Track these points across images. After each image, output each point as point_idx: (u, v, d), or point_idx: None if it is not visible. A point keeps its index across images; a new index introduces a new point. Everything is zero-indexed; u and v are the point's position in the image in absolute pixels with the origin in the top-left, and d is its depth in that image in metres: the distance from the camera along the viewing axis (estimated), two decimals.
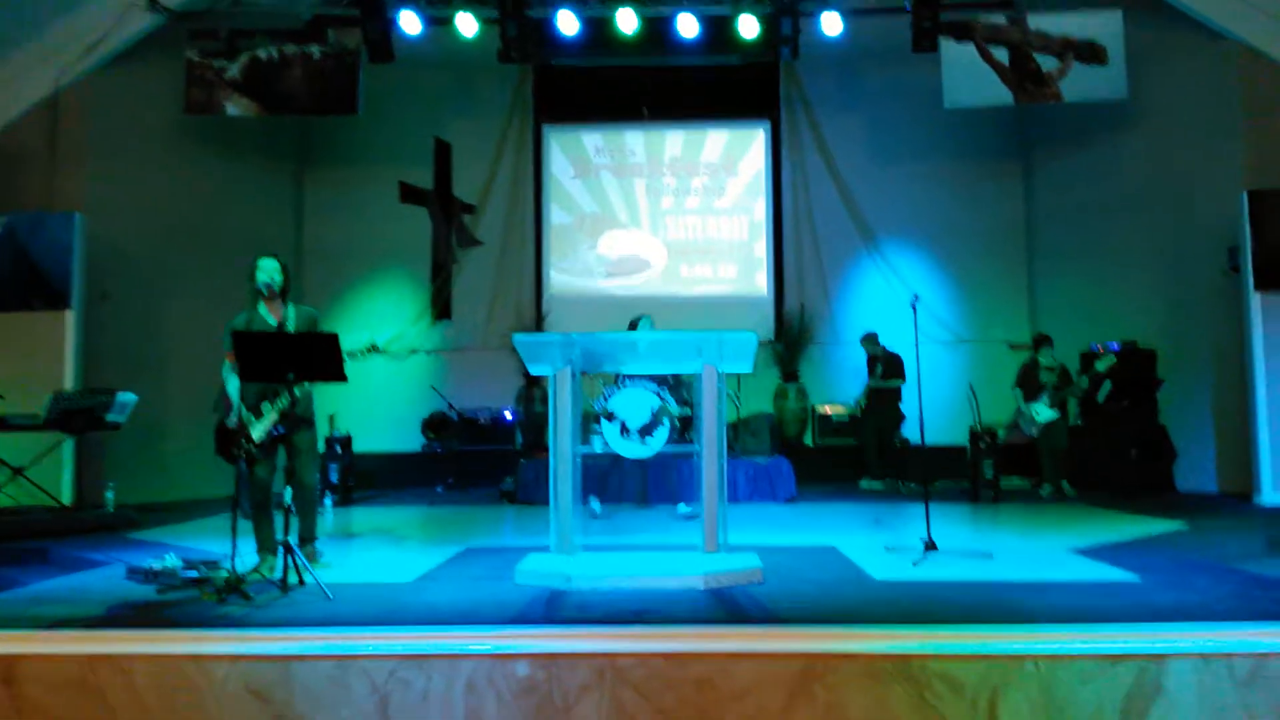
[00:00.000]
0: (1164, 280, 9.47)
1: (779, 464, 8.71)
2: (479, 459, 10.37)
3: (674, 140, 11.58)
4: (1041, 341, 9.21)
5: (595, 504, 7.71)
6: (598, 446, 4.92)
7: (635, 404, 4.84)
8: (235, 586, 4.37)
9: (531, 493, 8.37)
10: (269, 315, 5.17)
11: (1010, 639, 3.56)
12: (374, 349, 5.16)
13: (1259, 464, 8.10)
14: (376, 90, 10.08)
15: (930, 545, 5.32)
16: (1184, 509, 7.58)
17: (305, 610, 4.17)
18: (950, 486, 9.19)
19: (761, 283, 11.45)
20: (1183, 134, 9.24)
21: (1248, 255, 8.22)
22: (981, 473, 8.44)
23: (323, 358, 4.61)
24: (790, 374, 10.98)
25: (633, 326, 7.17)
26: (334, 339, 4.64)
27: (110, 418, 7.58)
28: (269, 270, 5.11)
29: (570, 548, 4.81)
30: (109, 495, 7.67)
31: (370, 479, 9.93)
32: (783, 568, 5.06)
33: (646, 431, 4.83)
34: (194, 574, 4.72)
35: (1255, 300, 8.21)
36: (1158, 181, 9.46)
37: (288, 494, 4.69)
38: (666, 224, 11.54)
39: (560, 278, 11.58)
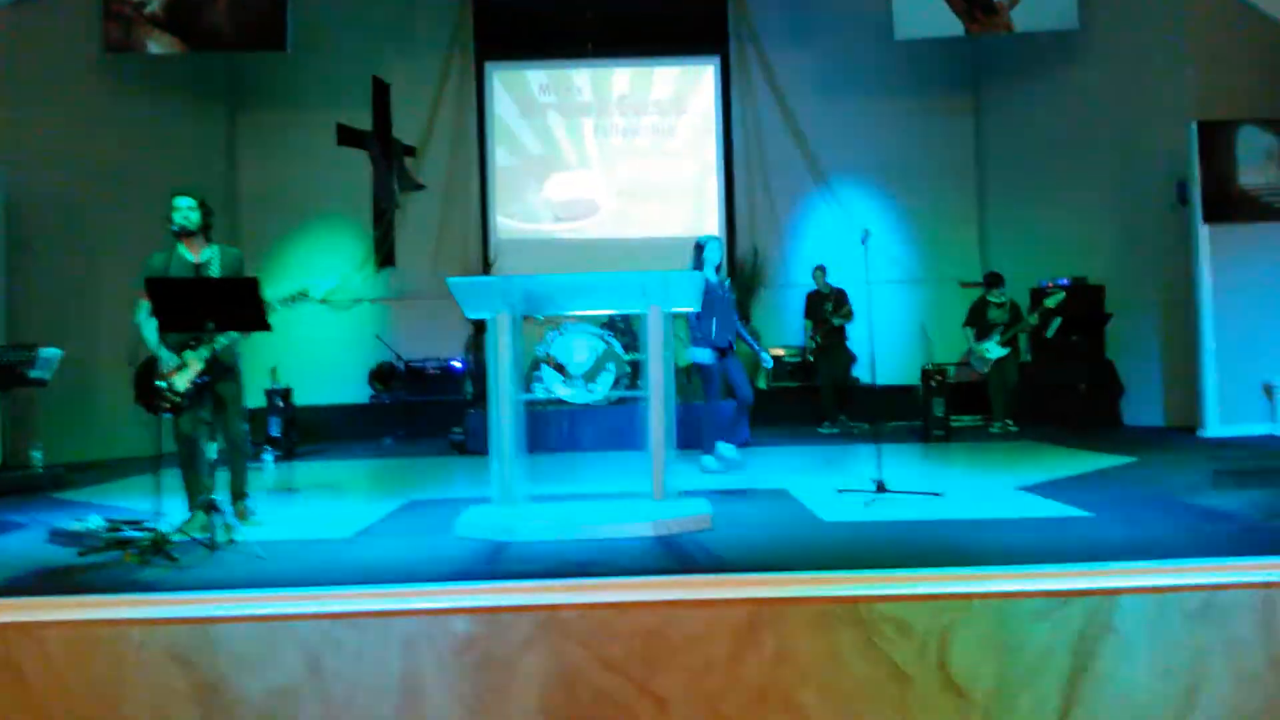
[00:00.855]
0: (1114, 215, 9.45)
1: (730, 407, 8.58)
2: (428, 409, 10.16)
3: (621, 78, 11.26)
4: (993, 281, 9.18)
5: (729, 450, 6.78)
6: (539, 393, 4.75)
7: (577, 348, 4.66)
8: (160, 547, 4.17)
9: (481, 443, 8.07)
10: (188, 254, 4.89)
11: (960, 579, 3.49)
12: (303, 295, 4.87)
13: (1204, 398, 8.16)
14: (309, 27, 9.63)
15: (881, 486, 5.25)
16: (1132, 443, 7.63)
17: (233, 570, 3.98)
18: (901, 426, 9.17)
19: (713, 224, 11.24)
20: (1133, 65, 9.14)
21: (1196, 187, 8.19)
22: (932, 412, 8.42)
23: (242, 304, 4.36)
24: (743, 317, 10.84)
25: (700, 249, 6.47)
26: (254, 284, 4.38)
27: (34, 374, 7.24)
28: (184, 208, 4.82)
29: (513, 498, 4.66)
30: (36, 454, 7.37)
31: (316, 432, 9.68)
32: (733, 513, 4.97)
33: (590, 377, 4.66)
34: (118, 535, 4.49)
35: (1203, 233, 8.21)
36: (1108, 114, 9.38)
37: (212, 448, 4.47)
38: (616, 165, 11.27)
39: (507, 222, 11.29)
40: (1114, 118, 9.34)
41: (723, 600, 3.40)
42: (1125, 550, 3.84)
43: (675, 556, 4.07)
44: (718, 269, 6.56)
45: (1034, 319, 8.88)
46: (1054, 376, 9.12)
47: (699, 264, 6.39)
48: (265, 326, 4.48)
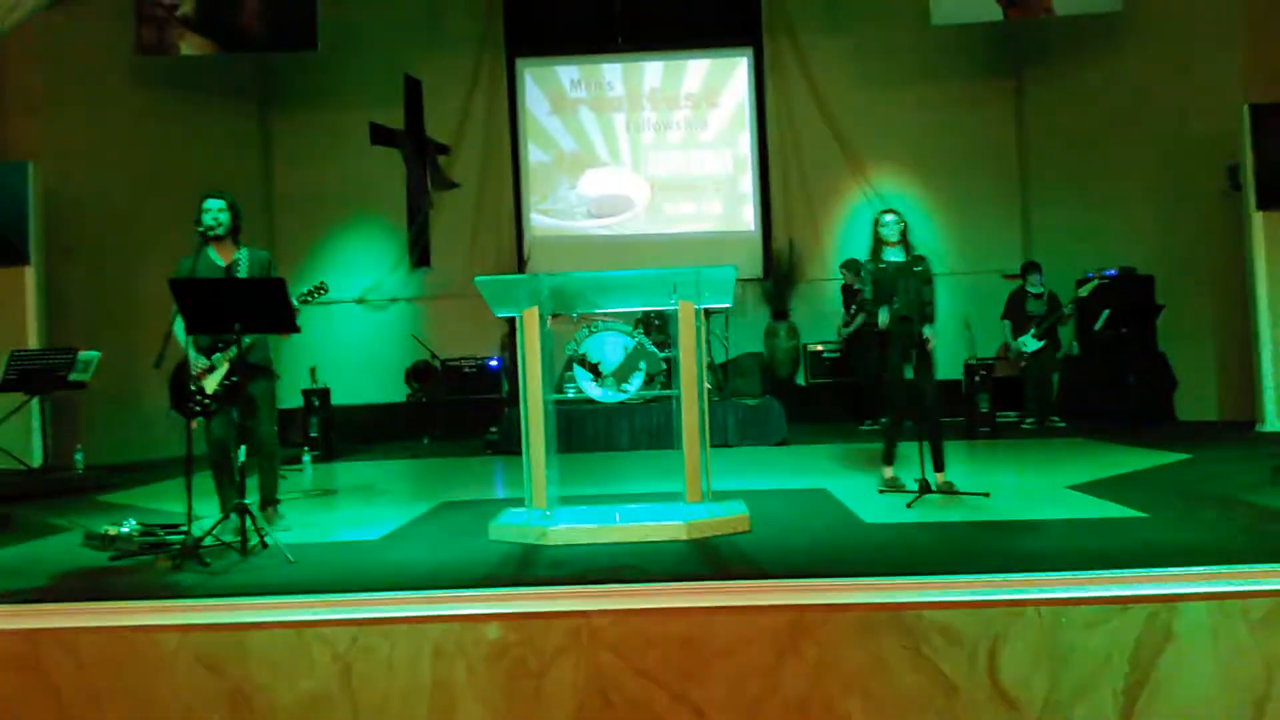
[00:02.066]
0: (1162, 202, 9.16)
1: (769, 405, 8.47)
2: (465, 409, 10.13)
3: (653, 71, 11.13)
4: (1029, 269, 8.94)
5: None
6: (570, 393, 4.66)
7: (609, 346, 4.56)
8: (191, 552, 4.14)
9: (517, 443, 7.98)
10: (217, 258, 4.85)
11: (1010, 585, 3.35)
12: (321, 289, 4.82)
13: (1262, 390, 7.88)
14: (340, 26, 9.63)
15: (925, 485, 5.09)
16: (1186, 439, 7.38)
17: (263, 575, 3.94)
18: (945, 422, 8.93)
19: (748, 219, 11.11)
20: (1180, 47, 8.85)
21: (1249, 173, 7.91)
22: (977, 408, 8.21)
23: (269, 305, 4.30)
24: (780, 312, 10.71)
25: (878, 222, 5.59)
26: (280, 284, 4.33)
27: (73, 377, 7.32)
28: (213, 210, 4.79)
29: (545, 501, 4.57)
30: (78, 457, 7.43)
31: (353, 432, 9.70)
32: (771, 514, 4.85)
33: (622, 375, 4.56)
34: (151, 539, 4.48)
35: (1257, 220, 7.93)
36: (1154, 98, 9.09)
37: (243, 452, 4.43)
38: (648, 160, 11.15)
39: (541, 219, 11.23)
40: (1161, 101, 9.05)
41: (762, 607, 3.30)
42: (1184, 553, 3.66)
43: (711, 561, 3.96)
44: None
45: (1069, 309, 8.64)
46: (1103, 370, 8.86)
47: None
48: (294, 328, 4.43)
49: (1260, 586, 3.20)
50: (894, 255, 5.49)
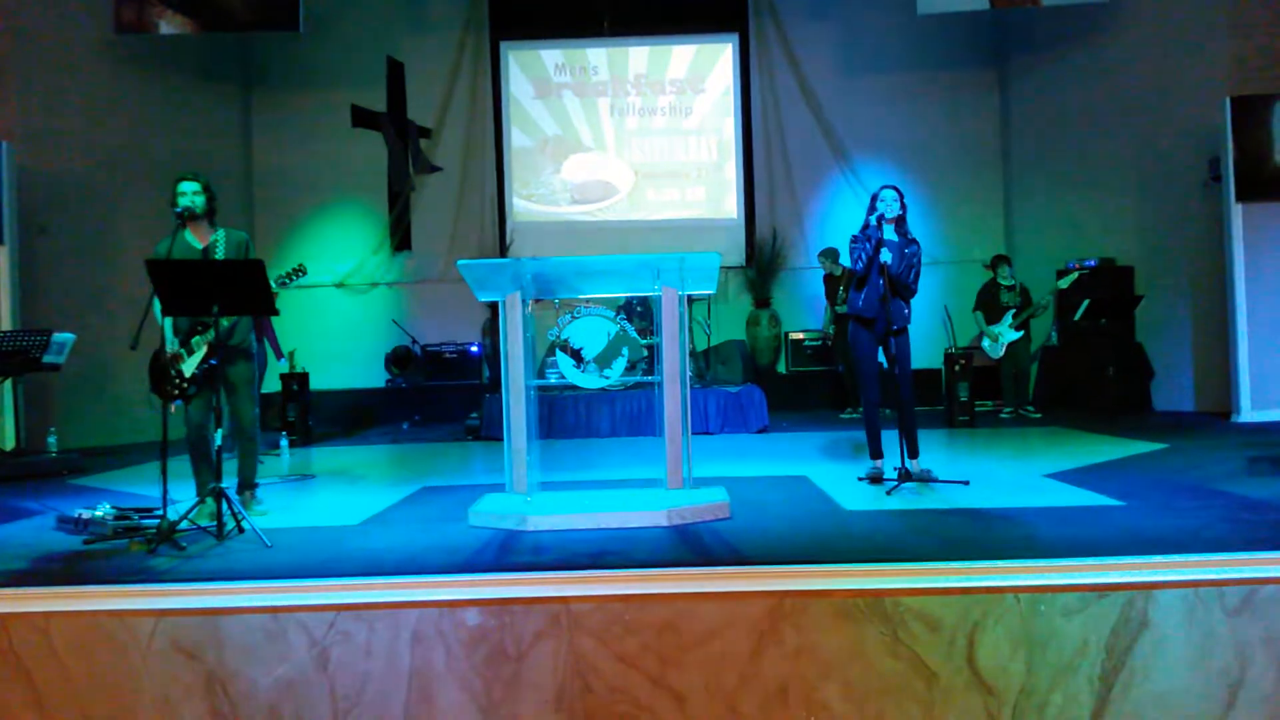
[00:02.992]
0: (1143, 194, 9.21)
1: (750, 392, 8.48)
2: (445, 394, 10.09)
3: (638, 56, 11.07)
4: (1000, 261, 8.95)
5: None
6: (552, 378, 4.63)
7: (591, 332, 4.54)
8: (167, 536, 4.10)
9: (497, 428, 8.07)
10: (194, 240, 4.80)
11: (988, 572, 3.36)
12: (300, 271, 4.76)
13: (1238, 382, 7.95)
14: (323, 7, 9.53)
15: (905, 474, 5.11)
16: (1163, 429, 7.45)
17: (240, 559, 3.91)
18: (924, 410, 8.99)
19: (732, 206, 11.09)
20: (1163, 39, 8.89)
21: (1229, 165, 7.95)
22: (956, 396, 8.25)
23: (247, 287, 4.25)
24: (762, 300, 10.71)
25: (877, 197, 5.36)
26: (259, 266, 4.28)
27: (47, 359, 7.20)
28: (189, 193, 4.73)
29: (526, 486, 4.55)
30: (51, 440, 7.34)
31: (332, 417, 9.65)
32: (752, 501, 4.85)
33: (604, 361, 4.54)
34: (126, 523, 4.43)
35: (1237, 212, 7.97)
36: (1137, 89, 9.13)
37: (220, 434, 4.38)
38: (632, 146, 11.11)
39: (524, 204, 11.16)
40: (1143, 93, 9.08)
41: (741, 593, 3.29)
42: (1160, 541, 3.69)
43: (692, 547, 3.95)
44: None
45: (1046, 301, 8.67)
46: (1082, 360, 8.93)
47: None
48: (272, 310, 4.39)
49: (1236, 575, 3.23)
50: (888, 234, 5.30)
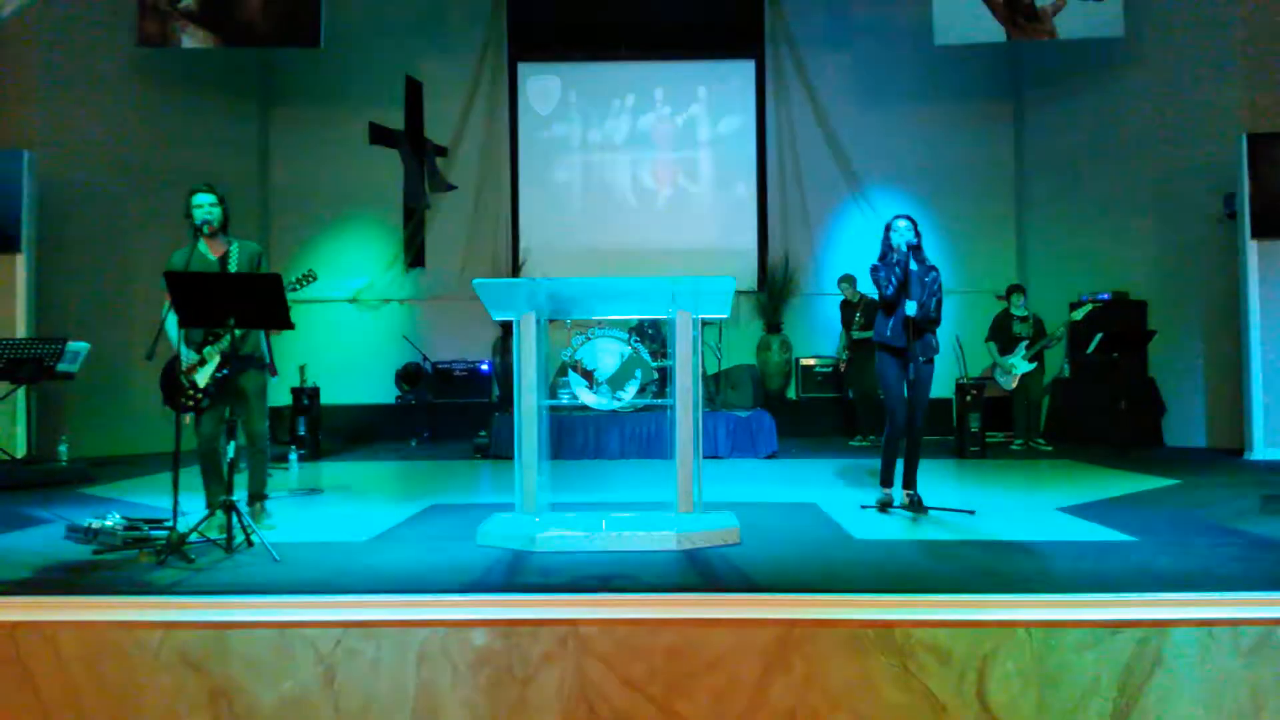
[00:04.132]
0: (1157, 228, 9.20)
1: (760, 417, 8.46)
2: (455, 412, 10.09)
3: (654, 80, 11.13)
4: (1013, 290, 8.93)
5: None
6: (564, 399, 4.63)
7: (605, 353, 4.54)
8: (176, 547, 4.10)
9: (506, 447, 8.04)
10: (209, 252, 4.83)
11: (1001, 606, 3.34)
12: (310, 277, 4.79)
13: (1251, 419, 7.90)
14: (343, 25, 9.62)
15: (916, 502, 5.08)
16: (1174, 465, 7.40)
17: (249, 573, 3.90)
18: (934, 440, 8.96)
19: (745, 231, 11.11)
20: (1180, 75, 8.91)
21: (1245, 201, 7.94)
22: (968, 427, 8.22)
23: (264, 300, 4.27)
24: (774, 325, 10.71)
25: (890, 227, 5.43)
26: (276, 280, 4.30)
27: (61, 367, 7.25)
28: (205, 205, 4.76)
29: (535, 507, 4.54)
30: (62, 448, 7.36)
31: (341, 432, 9.66)
32: (761, 527, 4.83)
33: (617, 383, 4.54)
34: (135, 533, 4.43)
35: (1252, 249, 7.95)
36: (1153, 125, 9.14)
37: (231, 447, 4.39)
38: (646, 169, 11.15)
39: (537, 224, 11.19)
40: (1159, 128, 9.10)
41: (750, 620, 3.27)
42: (1174, 579, 3.66)
43: (701, 572, 3.93)
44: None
45: (1060, 332, 8.64)
46: (1094, 394, 8.88)
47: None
48: (288, 324, 4.40)
49: (1251, 614, 3.20)
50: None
